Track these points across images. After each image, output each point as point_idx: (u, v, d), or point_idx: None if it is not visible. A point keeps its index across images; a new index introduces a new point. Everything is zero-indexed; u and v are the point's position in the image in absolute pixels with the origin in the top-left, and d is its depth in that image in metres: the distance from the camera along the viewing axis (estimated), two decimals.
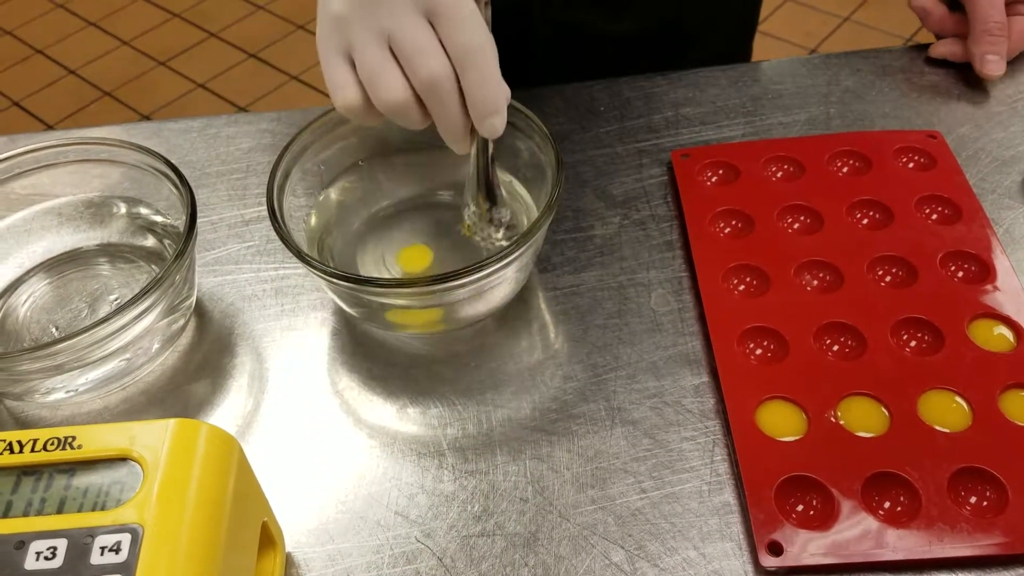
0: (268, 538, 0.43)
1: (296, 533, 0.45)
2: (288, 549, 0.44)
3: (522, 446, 0.48)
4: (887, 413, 0.46)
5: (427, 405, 0.50)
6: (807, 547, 0.42)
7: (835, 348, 0.49)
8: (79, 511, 0.35)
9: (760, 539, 0.42)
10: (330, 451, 0.48)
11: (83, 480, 0.36)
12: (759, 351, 0.49)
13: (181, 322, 0.53)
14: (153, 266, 0.55)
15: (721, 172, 0.59)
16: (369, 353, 0.52)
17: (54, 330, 0.53)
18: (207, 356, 0.53)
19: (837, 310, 0.50)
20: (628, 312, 0.53)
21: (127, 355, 0.49)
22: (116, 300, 0.54)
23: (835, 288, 0.51)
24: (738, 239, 0.55)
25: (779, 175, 0.59)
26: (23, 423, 0.51)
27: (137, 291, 0.46)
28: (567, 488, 0.46)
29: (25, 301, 0.55)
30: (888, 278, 0.52)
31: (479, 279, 0.46)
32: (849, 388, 0.47)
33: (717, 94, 0.66)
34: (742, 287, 0.52)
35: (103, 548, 0.34)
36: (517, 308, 0.54)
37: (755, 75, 0.67)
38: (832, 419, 0.46)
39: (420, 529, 0.45)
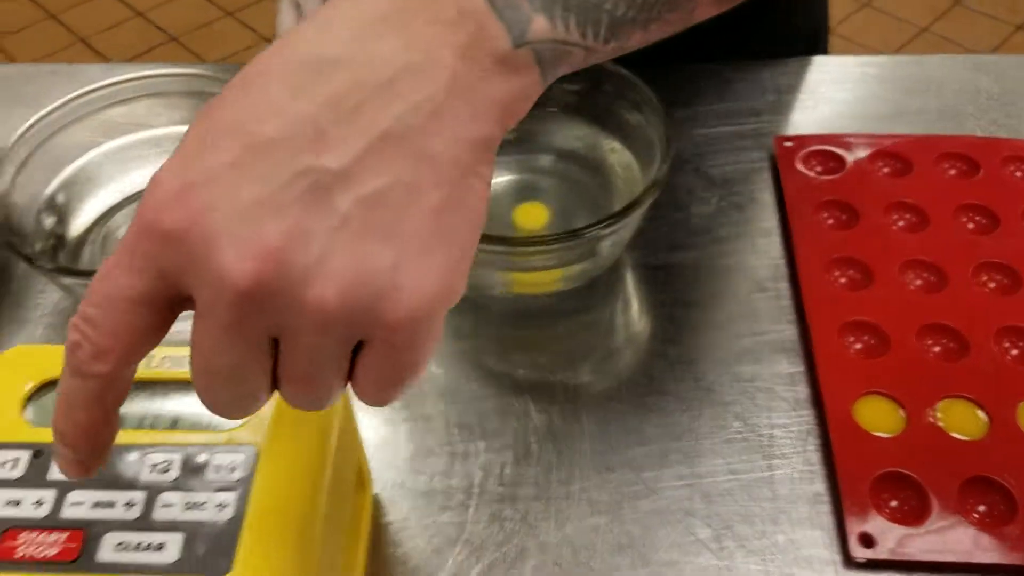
0: (360, 478, 0.43)
1: (382, 474, 0.45)
2: (375, 490, 0.45)
3: (608, 416, 0.47)
4: (986, 418, 0.45)
5: (514, 367, 0.50)
6: (898, 542, 0.41)
7: (936, 349, 0.48)
8: (193, 429, 0.36)
9: (852, 529, 0.42)
10: (417, 397, 0.48)
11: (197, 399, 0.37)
12: (859, 345, 0.49)
13: None
14: None
15: (825, 162, 0.58)
16: (457, 311, 0.52)
17: None
18: None
19: (940, 311, 0.49)
20: (722, 294, 0.52)
21: None
22: None
23: (939, 289, 0.51)
24: (841, 231, 0.54)
25: (885, 170, 0.58)
26: None
27: None
28: (653, 461, 0.45)
29: (121, 226, 0.55)
30: (992, 284, 0.51)
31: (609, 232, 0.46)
32: (949, 390, 0.46)
33: (819, 80, 0.65)
34: (844, 279, 0.52)
35: (218, 466, 0.35)
36: (609, 280, 0.53)
37: (868, 69, 0.66)
38: (930, 419, 0.45)
39: (505, 486, 0.45)
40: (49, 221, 0.52)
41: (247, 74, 0.27)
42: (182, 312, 0.28)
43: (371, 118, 0.26)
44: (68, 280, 0.46)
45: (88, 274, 0.47)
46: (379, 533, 0.43)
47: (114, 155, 0.57)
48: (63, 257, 0.52)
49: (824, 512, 0.43)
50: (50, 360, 0.38)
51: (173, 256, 0.25)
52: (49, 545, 0.32)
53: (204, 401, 0.28)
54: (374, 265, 0.25)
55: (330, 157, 0.26)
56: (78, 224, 0.53)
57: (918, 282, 0.51)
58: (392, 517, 0.44)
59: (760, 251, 0.54)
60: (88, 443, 0.29)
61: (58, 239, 0.52)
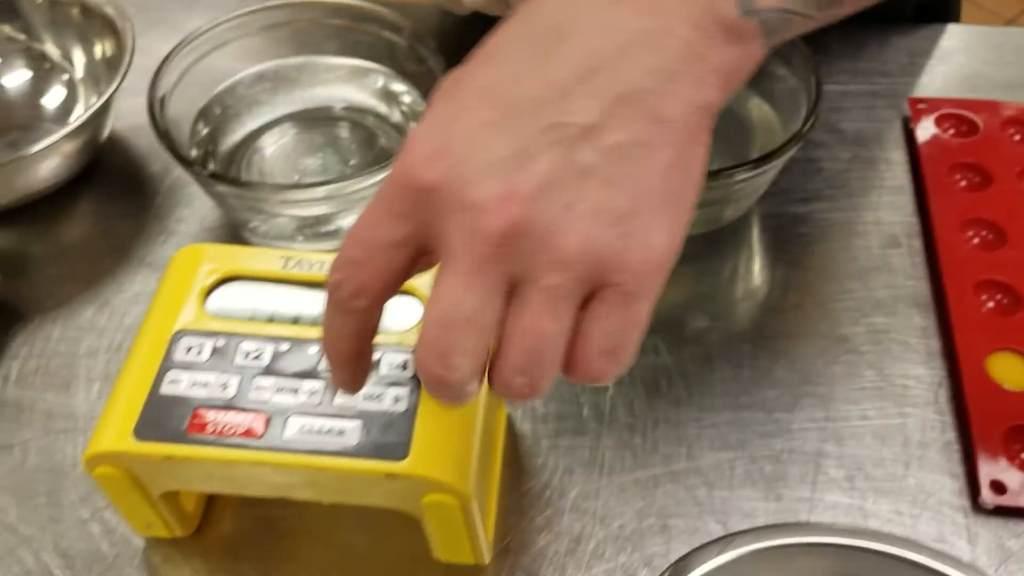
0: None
1: None
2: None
3: (739, 359, 0.48)
4: None
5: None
6: None
7: None
8: None
9: (984, 476, 0.42)
10: None
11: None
12: (991, 303, 0.49)
13: None
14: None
15: (958, 125, 0.58)
16: None
17: (296, 176, 0.55)
18: None
19: None
20: (855, 248, 0.52)
21: None
22: (353, 164, 0.56)
23: None
24: (975, 192, 0.54)
25: (1016, 137, 0.57)
26: None
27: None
28: (785, 404, 0.46)
29: (269, 146, 0.57)
30: None
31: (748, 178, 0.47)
32: None
33: (951, 47, 0.64)
34: (977, 240, 0.52)
35: (391, 363, 0.36)
36: (740, 227, 0.54)
37: (999, 38, 0.65)
38: None
39: (635, 417, 0.46)
40: (203, 132, 0.54)
41: (495, 43, 0.30)
42: (423, 269, 0.30)
43: (609, 81, 0.28)
44: (222, 188, 0.48)
45: (242, 184, 0.49)
46: (512, 449, 0.45)
47: (282, 74, 0.58)
48: (214, 167, 0.54)
49: (954, 460, 0.44)
50: (222, 258, 0.40)
51: (430, 206, 0.27)
52: (236, 424, 0.34)
53: (428, 358, 0.28)
54: (615, 214, 0.27)
55: (575, 114, 0.27)
56: (229, 139, 0.55)
57: None
58: (524, 436, 0.45)
59: (892, 208, 0.54)
60: (350, 367, 0.32)
61: (210, 150, 0.54)
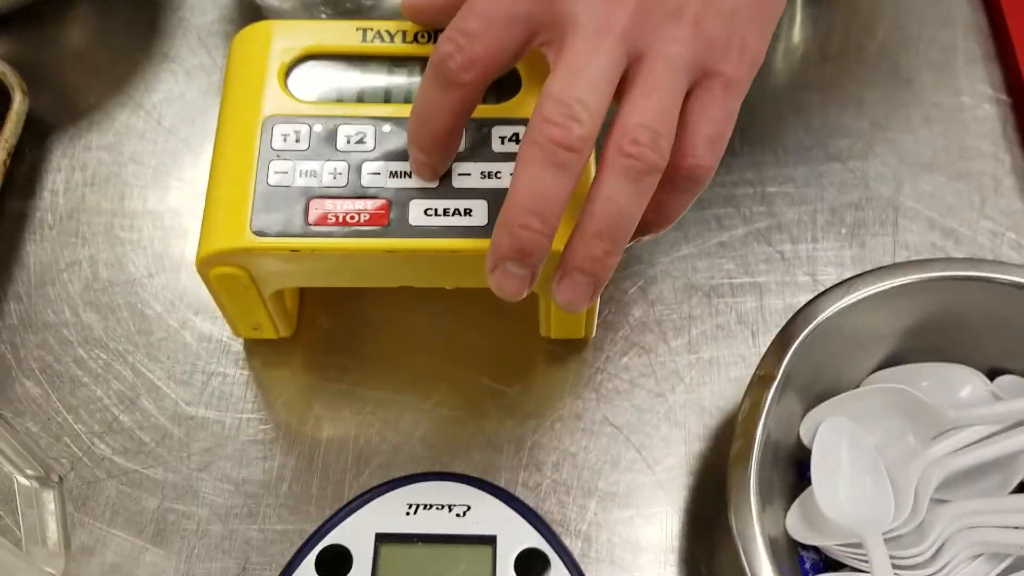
0: None
1: None
2: None
3: (810, 110, 0.47)
4: None
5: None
6: None
7: None
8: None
9: None
10: None
11: None
12: None
13: None
14: None
15: None
16: None
17: None
18: None
19: None
20: None
21: None
22: None
23: None
24: None
25: None
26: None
27: None
28: (859, 149, 0.46)
29: None
30: None
31: None
32: None
33: None
34: None
35: (501, 137, 0.35)
36: None
37: None
38: None
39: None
40: None
41: None
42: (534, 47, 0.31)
43: None
44: None
45: None
46: None
47: None
48: None
49: None
50: (294, 35, 0.37)
51: None
52: (358, 212, 0.33)
53: (553, 110, 0.28)
54: (724, 10, 0.30)
55: None
56: None
57: None
58: None
59: None
60: (440, 149, 0.32)
61: None
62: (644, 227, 0.32)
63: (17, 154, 0.43)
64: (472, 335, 0.41)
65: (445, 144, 0.32)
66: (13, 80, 0.44)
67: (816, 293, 0.42)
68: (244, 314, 0.37)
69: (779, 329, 0.35)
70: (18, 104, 0.43)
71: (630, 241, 0.31)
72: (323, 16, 0.48)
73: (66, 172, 0.44)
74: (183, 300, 0.41)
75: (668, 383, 0.40)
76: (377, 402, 0.39)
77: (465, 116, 0.32)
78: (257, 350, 0.40)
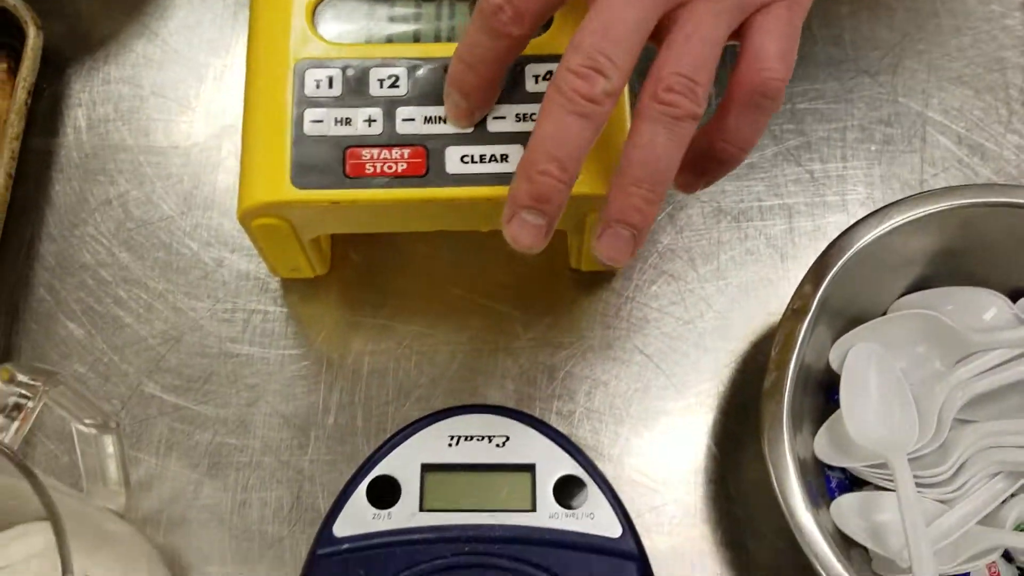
0: None
1: None
2: None
3: (840, 23, 0.46)
4: None
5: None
6: None
7: None
8: None
9: None
10: None
11: None
12: None
13: None
14: None
15: None
16: None
17: None
18: None
19: None
20: None
21: None
22: None
23: None
24: None
25: None
26: None
27: None
28: (888, 63, 0.45)
29: None
30: None
31: None
32: None
33: None
34: None
35: (536, 76, 0.34)
36: None
37: None
38: None
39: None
40: None
41: None
42: None
43: None
44: None
45: None
46: None
47: None
48: None
49: None
50: None
51: None
52: (395, 161, 0.33)
53: (577, 62, 0.28)
54: None
55: None
56: None
57: None
58: None
59: None
60: (482, 94, 0.32)
61: None
62: (720, 159, 0.31)
63: (36, 91, 0.43)
64: (502, 268, 0.42)
65: (489, 89, 0.32)
66: (25, 13, 0.43)
67: (844, 214, 0.43)
68: (283, 258, 0.37)
69: (809, 255, 0.36)
70: (33, 39, 0.42)
71: (704, 180, 0.32)
72: None
73: (87, 108, 0.44)
74: (218, 238, 0.42)
75: (697, 310, 0.41)
76: (413, 336, 0.40)
77: (508, 63, 0.32)
78: (294, 287, 0.41)
